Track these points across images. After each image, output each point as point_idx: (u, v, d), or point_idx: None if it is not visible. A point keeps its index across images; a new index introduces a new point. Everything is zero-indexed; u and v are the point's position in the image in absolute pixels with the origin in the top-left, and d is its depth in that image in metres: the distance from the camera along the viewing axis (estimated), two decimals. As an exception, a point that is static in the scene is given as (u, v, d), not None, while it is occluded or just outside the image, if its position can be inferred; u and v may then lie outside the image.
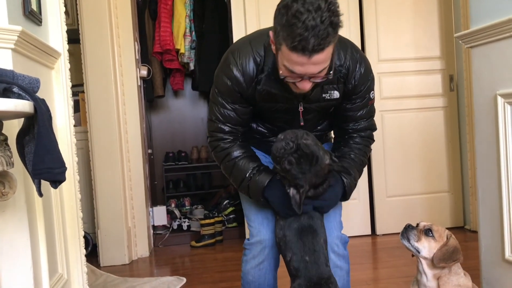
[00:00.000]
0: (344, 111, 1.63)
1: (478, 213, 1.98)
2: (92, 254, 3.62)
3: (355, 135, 1.66)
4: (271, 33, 1.40)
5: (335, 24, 1.29)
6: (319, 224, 1.57)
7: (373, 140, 1.72)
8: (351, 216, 3.72)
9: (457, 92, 3.84)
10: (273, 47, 1.42)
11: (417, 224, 1.70)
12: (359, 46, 3.67)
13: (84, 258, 1.86)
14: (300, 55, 1.30)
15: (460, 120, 3.85)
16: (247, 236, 1.75)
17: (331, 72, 1.42)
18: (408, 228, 1.68)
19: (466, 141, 3.76)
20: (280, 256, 1.68)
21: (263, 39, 1.52)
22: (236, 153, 1.60)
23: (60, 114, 1.79)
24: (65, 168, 1.18)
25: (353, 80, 1.55)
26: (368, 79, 1.59)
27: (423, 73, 3.80)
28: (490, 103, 1.82)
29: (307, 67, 1.33)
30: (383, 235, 3.81)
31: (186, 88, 4.70)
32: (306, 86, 1.41)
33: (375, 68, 3.70)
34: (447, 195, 3.88)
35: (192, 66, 4.29)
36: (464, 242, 3.50)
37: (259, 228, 1.67)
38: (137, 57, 3.72)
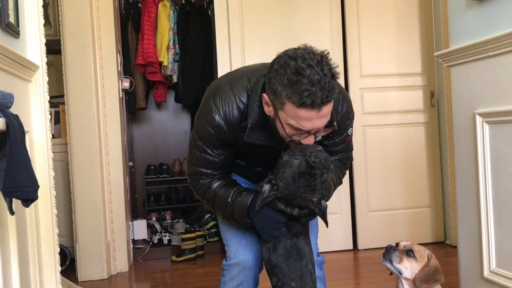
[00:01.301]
0: (321, 146, 1.62)
1: (457, 230, 1.98)
2: (70, 268, 3.55)
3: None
4: (265, 95, 1.38)
5: (336, 76, 1.32)
6: (305, 243, 1.55)
7: (351, 162, 1.74)
8: (333, 231, 3.70)
9: (438, 108, 3.88)
10: (268, 109, 1.40)
11: (397, 244, 1.69)
12: (342, 61, 3.73)
13: (59, 276, 1.81)
14: (309, 110, 1.30)
15: (441, 136, 3.89)
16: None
17: (334, 123, 1.43)
18: (389, 250, 1.67)
19: (446, 157, 3.80)
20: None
21: (244, 84, 1.49)
22: (216, 184, 1.57)
23: (36, 128, 1.75)
24: (38, 187, 1.15)
25: (334, 122, 1.54)
26: (349, 118, 1.59)
27: (405, 89, 3.84)
28: (469, 122, 1.84)
29: (315, 122, 1.34)
30: (365, 250, 3.80)
31: (169, 101, 4.67)
32: (311, 141, 1.41)
33: (358, 84, 3.77)
34: (428, 210, 3.90)
35: (175, 79, 4.28)
36: (445, 257, 3.51)
37: (237, 248, 1.65)
38: (119, 69, 3.69)
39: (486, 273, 1.80)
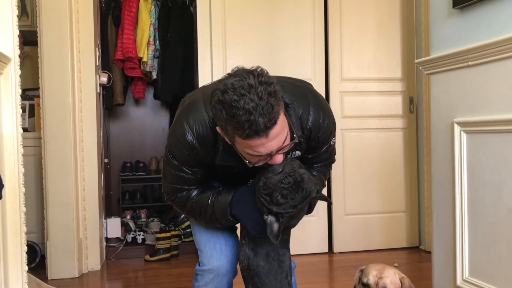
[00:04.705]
0: (305, 159, 1.59)
1: (432, 237, 1.99)
2: (40, 266, 3.47)
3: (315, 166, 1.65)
4: (219, 129, 1.33)
5: (274, 93, 1.24)
6: (285, 253, 1.53)
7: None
8: (309, 234, 3.71)
9: (417, 114, 3.91)
10: (227, 139, 1.36)
11: (367, 280, 1.61)
12: (323, 65, 3.73)
13: (25, 276, 1.75)
14: (256, 139, 1.25)
15: (419, 142, 3.92)
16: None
17: (294, 135, 1.38)
18: None
19: (423, 163, 3.83)
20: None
21: None
22: (194, 193, 1.54)
23: (6, 122, 1.69)
24: (2, 186, 1.10)
25: (316, 138, 1.51)
26: (330, 131, 1.54)
27: (385, 94, 3.86)
28: (447, 130, 1.85)
29: (268, 146, 1.28)
30: (340, 253, 3.81)
31: (147, 97, 4.61)
32: (279, 159, 1.36)
33: (338, 87, 3.77)
34: (403, 215, 3.93)
35: (154, 75, 4.22)
36: (419, 262, 3.54)
37: (210, 254, 1.61)
38: (97, 64, 3.62)
39: (459, 281, 1.81)
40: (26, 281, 1.74)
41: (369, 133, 3.84)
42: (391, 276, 1.62)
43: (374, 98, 3.84)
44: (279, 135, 1.29)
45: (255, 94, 1.21)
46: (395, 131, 3.90)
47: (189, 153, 1.44)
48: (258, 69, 1.28)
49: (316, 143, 1.53)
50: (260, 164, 1.35)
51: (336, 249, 3.82)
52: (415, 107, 3.91)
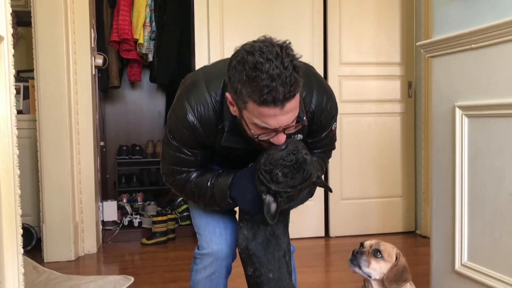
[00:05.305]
0: (305, 144, 1.56)
1: (431, 222, 1.98)
2: (35, 248, 3.46)
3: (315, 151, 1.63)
4: (228, 95, 1.30)
5: (298, 68, 1.23)
6: (283, 233, 1.52)
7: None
8: (306, 218, 3.71)
9: (415, 98, 3.89)
10: (233, 109, 1.33)
11: (362, 244, 1.65)
12: (322, 48, 3.69)
13: (21, 259, 1.72)
14: (271, 107, 1.22)
15: (416, 127, 3.91)
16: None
17: (304, 118, 1.36)
18: (356, 255, 1.61)
19: (421, 148, 3.82)
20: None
21: (220, 83, 1.39)
22: (193, 175, 1.51)
23: (0, 103, 1.65)
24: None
25: (318, 121, 1.48)
26: (332, 115, 1.52)
27: (383, 78, 3.83)
28: (448, 114, 1.82)
29: (280, 119, 1.26)
30: (336, 237, 3.82)
31: (143, 80, 4.56)
32: (282, 139, 1.33)
33: (337, 71, 3.73)
34: (400, 200, 3.93)
35: (150, 58, 4.17)
36: (415, 247, 3.56)
37: (210, 237, 1.60)
38: (92, 45, 3.57)
39: (457, 266, 1.81)
40: (22, 264, 1.72)
41: (367, 118, 3.82)
42: (388, 246, 1.63)
43: (373, 82, 3.81)
44: (292, 111, 1.27)
45: (281, 63, 1.19)
46: (393, 116, 3.88)
47: (189, 134, 1.41)
48: (287, 42, 1.26)
49: (318, 126, 1.51)
50: (263, 138, 1.32)
51: (332, 233, 3.82)
52: (413, 91, 3.89)
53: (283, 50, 1.21)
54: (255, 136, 1.31)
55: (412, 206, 3.95)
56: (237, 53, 1.25)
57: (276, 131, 1.29)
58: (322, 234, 3.83)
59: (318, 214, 3.79)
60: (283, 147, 1.35)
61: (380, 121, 3.85)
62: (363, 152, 3.82)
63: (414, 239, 3.76)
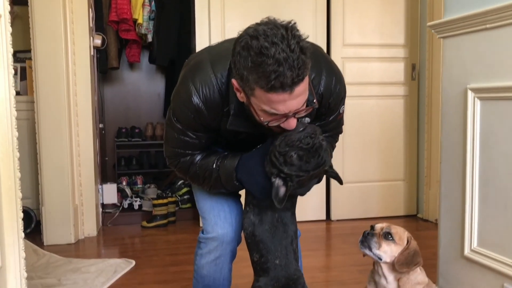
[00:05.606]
0: None
1: (439, 206, 1.95)
2: (35, 231, 3.43)
3: None
4: (234, 81, 1.25)
5: (306, 49, 1.17)
6: (291, 219, 1.48)
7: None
8: (307, 201, 3.66)
9: (418, 81, 3.84)
10: (240, 95, 1.27)
11: (372, 227, 1.62)
12: (325, 30, 3.62)
13: (22, 243, 1.69)
14: (280, 93, 1.17)
15: (420, 110, 3.86)
16: (201, 223, 1.64)
17: (315, 101, 1.31)
18: (367, 236, 1.59)
19: (424, 131, 3.78)
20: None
21: (226, 64, 1.34)
22: (198, 157, 1.47)
23: (-2, 83, 1.59)
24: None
25: (327, 104, 1.44)
26: (341, 97, 1.48)
27: (387, 60, 3.77)
28: (459, 97, 1.78)
29: (289, 104, 1.20)
30: (338, 220, 3.80)
31: (142, 61, 4.48)
32: (293, 124, 1.29)
33: (340, 53, 3.67)
34: (402, 183, 3.91)
35: (150, 38, 4.09)
36: (416, 231, 3.54)
37: (215, 221, 1.56)
38: (91, 25, 3.49)
39: (466, 251, 1.78)
40: (23, 248, 1.69)
41: (370, 101, 3.77)
42: (399, 230, 1.60)
43: (376, 64, 3.76)
44: (302, 95, 1.22)
45: (287, 46, 1.14)
46: (396, 99, 3.84)
47: (194, 117, 1.37)
48: (292, 22, 1.19)
49: (326, 109, 1.46)
50: (273, 124, 1.28)
51: (333, 216, 3.81)
52: (417, 74, 3.83)
53: (289, 32, 1.16)
54: (265, 123, 1.27)
55: (414, 189, 3.93)
56: (240, 38, 1.20)
57: (286, 116, 1.25)
58: (323, 217, 3.82)
59: (320, 197, 3.76)
60: (301, 129, 1.31)
61: (383, 104, 3.80)
62: (365, 135, 3.78)
63: (415, 223, 3.75)
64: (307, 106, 1.28)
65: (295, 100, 1.20)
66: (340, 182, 1.47)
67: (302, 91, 1.20)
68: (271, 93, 1.17)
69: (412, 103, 3.86)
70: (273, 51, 1.13)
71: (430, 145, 3.71)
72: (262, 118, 1.26)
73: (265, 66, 1.13)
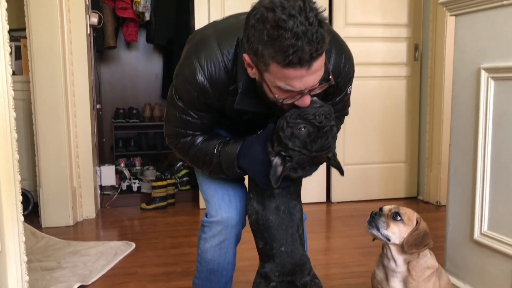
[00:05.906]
0: None
1: (447, 189, 1.91)
2: (32, 213, 3.39)
3: None
4: (246, 57, 1.19)
5: (324, 23, 1.11)
6: (297, 205, 1.44)
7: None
8: (307, 183, 3.58)
9: (421, 62, 3.78)
10: (252, 71, 1.21)
11: (381, 209, 1.58)
12: (327, 9, 3.53)
13: (21, 226, 1.65)
14: (297, 68, 1.11)
15: (422, 91, 3.81)
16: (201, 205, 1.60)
17: (330, 77, 1.24)
18: (375, 216, 1.55)
19: (426, 112, 3.74)
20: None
21: (233, 40, 1.28)
22: (199, 139, 1.41)
23: (-6, 62, 1.53)
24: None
25: (335, 84, 1.37)
26: (349, 77, 1.42)
27: (389, 40, 3.70)
28: (472, 77, 1.72)
29: (306, 80, 1.15)
30: (338, 202, 3.78)
31: (140, 40, 4.39)
32: (307, 101, 1.23)
33: (342, 32, 3.58)
34: (403, 165, 3.88)
35: (147, 17, 3.99)
36: (417, 213, 3.52)
37: (219, 205, 1.51)
38: (87, 3, 3.39)
39: (476, 235, 1.75)
40: (23, 231, 1.65)
41: (372, 81, 3.72)
42: (408, 210, 1.57)
43: (379, 44, 3.69)
44: (319, 71, 1.16)
45: (306, 19, 1.07)
46: (398, 80, 3.78)
47: (198, 95, 1.31)
48: None
49: (334, 89, 1.40)
50: (288, 102, 1.22)
51: (334, 198, 3.78)
52: (419, 54, 3.77)
53: (306, 4, 1.09)
54: (280, 101, 1.21)
55: (415, 171, 3.90)
56: (254, 10, 1.13)
57: (301, 93, 1.19)
58: (324, 199, 3.79)
59: (320, 179, 3.73)
60: (318, 105, 1.25)
61: (385, 85, 3.75)
62: (367, 117, 3.73)
63: (416, 205, 3.73)
64: (321, 83, 1.23)
65: (312, 76, 1.15)
66: (342, 173, 1.42)
67: (319, 66, 1.15)
68: (287, 68, 1.11)
69: (414, 84, 3.80)
70: (291, 24, 1.07)
71: (432, 127, 3.67)
72: (276, 96, 1.20)
73: (283, 40, 1.07)
